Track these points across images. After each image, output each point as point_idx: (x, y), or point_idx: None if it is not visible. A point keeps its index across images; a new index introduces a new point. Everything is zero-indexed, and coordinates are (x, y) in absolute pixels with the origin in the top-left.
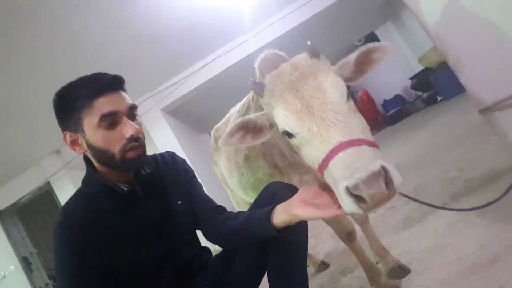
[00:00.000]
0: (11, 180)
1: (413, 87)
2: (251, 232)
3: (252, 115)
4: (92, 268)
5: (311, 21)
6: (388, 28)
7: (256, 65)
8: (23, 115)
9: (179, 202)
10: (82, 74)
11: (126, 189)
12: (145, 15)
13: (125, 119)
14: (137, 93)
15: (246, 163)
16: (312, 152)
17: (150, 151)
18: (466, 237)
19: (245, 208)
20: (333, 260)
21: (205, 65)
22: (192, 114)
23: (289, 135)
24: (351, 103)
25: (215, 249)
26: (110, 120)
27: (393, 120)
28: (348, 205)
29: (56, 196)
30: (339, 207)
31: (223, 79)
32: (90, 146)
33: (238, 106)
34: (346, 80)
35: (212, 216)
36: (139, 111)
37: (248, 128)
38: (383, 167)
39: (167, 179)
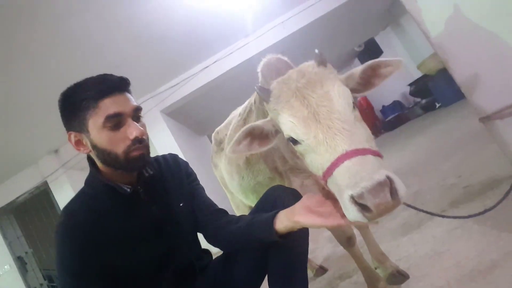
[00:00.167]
0: (8, 179)
1: (412, 93)
2: (253, 236)
3: (258, 122)
4: (94, 268)
5: (312, 25)
6: (387, 34)
7: (259, 70)
8: (22, 114)
9: (180, 204)
10: (82, 75)
11: (129, 190)
12: (146, 16)
13: (129, 120)
14: (136, 94)
15: (247, 166)
16: (317, 159)
17: None
18: (464, 244)
19: (244, 211)
20: (331, 265)
21: (206, 67)
22: (192, 116)
23: (294, 141)
24: (357, 112)
25: (216, 251)
26: (115, 121)
27: (392, 126)
28: (352, 213)
29: (53, 196)
30: (342, 216)
31: (223, 81)
32: (94, 146)
33: (239, 109)
34: (354, 91)
35: (214, 219)
36: None
37: (254, 135)
38: (388, 177)
39: (169, 181)
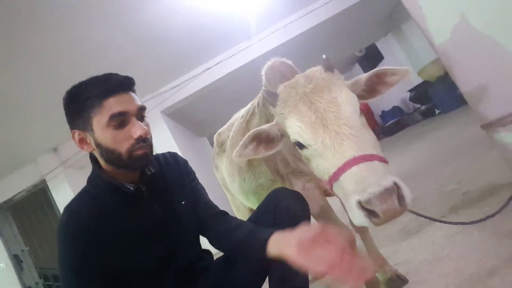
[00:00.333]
0: (6, 176)
1: (412, 99)
2: (249, 251)
3: (264, 126)
4: (96, 267)
5: (314, 30)
6: (388, 40)
7: (263, 72)
8: (22, 112)
9: (182, 203)
10: (83, 74)
11: (132, 188)
12: (148, 17)
13: (134, 119)
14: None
15: (249, 168)
16: (323, 164)
17: None
18: (464, 250)
19: (245, 213)
20: None
21: (207, 68)
22: (192, 118)
23: (301, 146)
24: (363, 119)
25: (216, 252)
26: (119, 120)
27: (391, 131)
28: (359, 218)
29: (51, 194)
30: (331, 266)
31: (225, 83)
32: (98, 145)
33: (242, 111)
34: (359, 97)
35: (216, 223)
36: None
37: (260, 139)
38: (395, 183)
39: (170, 180)
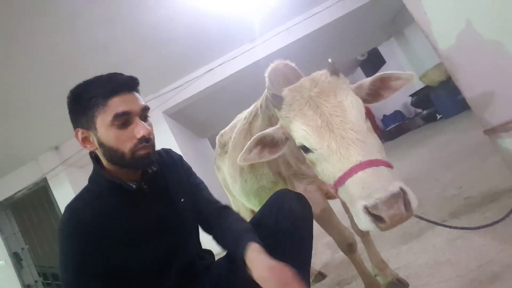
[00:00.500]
0: (7, 174)
1: (413, 104)
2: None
3: (268, 130)
4: (97, 266)
5: (317, 33)
6: (391, 44)
7: (266, 74)
8: (24, 110)
9: (182, 200)
10: (85, 74)
11: (134, 186)
12: (151, 17)
13: (137, 119)
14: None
15: (251, 170)
16: (329, 168)
17: None
18: (465, 255)
19: (246, 214)
20: (330, 271)
21: (210, 70)
22: (193, 118)
23: (306, 150)
24: (368, 123)
25: (217, 252)
26: (123, 120)
27: (392, 135)
28: (365, 223)
29: (52, 192)
30: None
31: (227, 85)
32: (101, 144)
33: (245, 113)
34: (362, 101)
35: (216, 221)
36: None
37: (265, 143)
38: (401, 189)
39: (168, 177)
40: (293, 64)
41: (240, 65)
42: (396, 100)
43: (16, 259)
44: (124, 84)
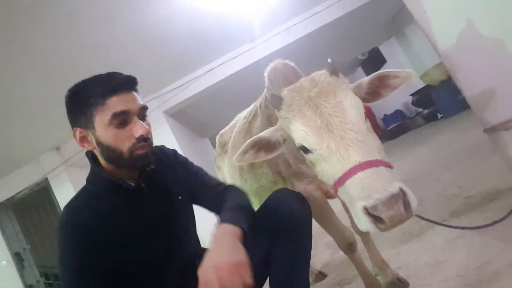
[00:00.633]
0: (8, 174)
1: (414, 103)
2: None
3: (265, 133)
4: (96, 266)
5: (317, 33)
6: (391, 44)
7: (265, 74)
8: (24, 110)
9: (179, 197)
10: (85, 74)
11: (133, 184)
12: (152, 17)
13: (135, 118)
14: (140, 94)
15: (250, 170)
16: (328, 169)
17: None
18: (465, 254)
19: None
20: (331, 271)
21: (210, 70)
22: (194, 118)
23: (306, 150)
24: (368, 123)
25: None
26: (121, 119)
27: (393, 134)
28: (365, 224)
29: (53, 192)
30: None
31: (227, 85)
32: (99, 143)
33: (244, 112)
34: (362, 100)
35: (221, 204)
36: None
37: (261, 145)
38: (401, 189)
39: (166, 175)
40: (292, 64)
41: (241, 65)
42: (397, 100)
43: (18, 259)
44: (123, 83)
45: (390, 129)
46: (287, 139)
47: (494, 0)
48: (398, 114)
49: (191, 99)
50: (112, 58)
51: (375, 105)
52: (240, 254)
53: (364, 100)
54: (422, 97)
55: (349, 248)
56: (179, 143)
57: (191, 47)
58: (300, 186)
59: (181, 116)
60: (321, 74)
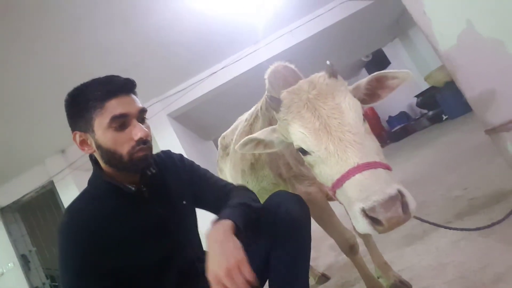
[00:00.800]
0: (15, 177)
1: (419, 105)
2: None
3: (258, 134)
4: (96, 269)
5: (321, 35)
6: (395, 45)
7: (266, 76)
8: (31, 114)
9: (183, 202)
10: (89, 77)
11: (133, 189)
12: (155, 20)
13: (134, 121)
14: (144, 97)
15: (252, 172)
16: (326, 170)
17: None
18: (468, 256)
19: None
20: (334, 273)
21: (214, 73)
22: (198, 121)
23: (304, 152)
24: (367, 125)
25: None
26: (121, 122)
27: (398, 136)
28: (363, 226)
29: (58, 195)
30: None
31: (230, 87)
32: (99, 146)
33: (246, 114)
34: (360, 102)
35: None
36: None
37: (258, 142)
38: (399, 191)
39: (169, 180)
40: (292, 66)
41: (244, 68)
42: (402, 101)
43: (24, 261)
44: (122, 86)
45: (395, 130)
46: (284, 140)
47: (494, 1)
48: (402, 115)
49: (194, 102)
50: (116, 61)
51: (379, 107)
52: (234, 252)
53: (363, 101)
54: (427, 98)
55: (350, 250)
56: (183, 146)
57: (194, 50)
58: (301, 188)
59: (185, 119)
60: (320, 76)
